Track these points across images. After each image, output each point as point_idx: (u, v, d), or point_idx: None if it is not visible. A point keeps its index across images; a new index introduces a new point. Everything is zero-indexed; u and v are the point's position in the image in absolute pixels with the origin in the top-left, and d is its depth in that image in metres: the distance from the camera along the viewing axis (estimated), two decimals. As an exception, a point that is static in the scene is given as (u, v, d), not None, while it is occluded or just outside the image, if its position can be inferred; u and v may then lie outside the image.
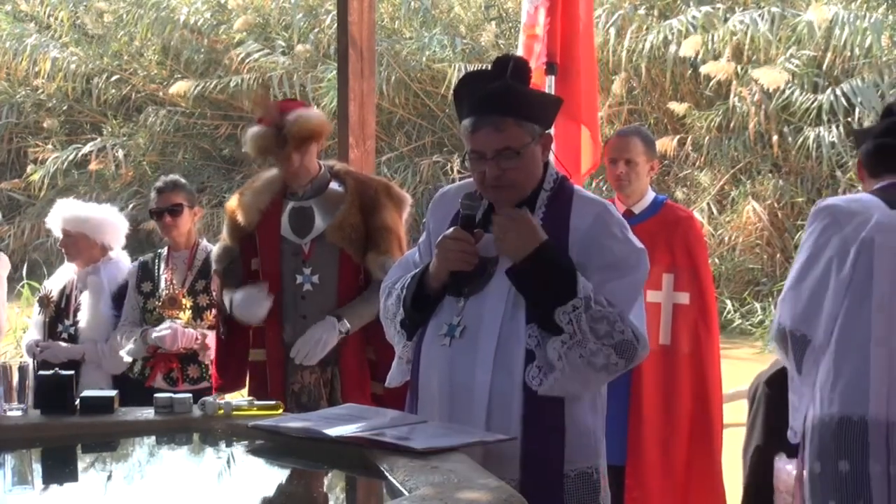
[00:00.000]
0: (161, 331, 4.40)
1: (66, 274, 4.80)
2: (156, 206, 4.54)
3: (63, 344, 4.61)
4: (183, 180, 4.66)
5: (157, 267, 4.58)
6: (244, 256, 3.92)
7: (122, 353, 4.53)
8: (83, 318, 4.60)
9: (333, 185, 3.90)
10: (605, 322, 2.61)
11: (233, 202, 3.97)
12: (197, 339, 4.41)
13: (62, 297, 4.72)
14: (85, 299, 4.63)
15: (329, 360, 3.80)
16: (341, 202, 3.83)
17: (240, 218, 3.89)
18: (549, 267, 2.64)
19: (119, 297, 4.65)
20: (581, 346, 2.61)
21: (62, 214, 4.72)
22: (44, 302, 4.67)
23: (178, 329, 4.39)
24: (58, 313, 4.68)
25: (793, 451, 3.88)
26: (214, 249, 4.09)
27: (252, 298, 3.80)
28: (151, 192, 4.65)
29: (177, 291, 4.49)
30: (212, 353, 4.43)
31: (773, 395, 3.95)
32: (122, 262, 4.78)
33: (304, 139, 3.78)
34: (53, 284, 4.81)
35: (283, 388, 3.82)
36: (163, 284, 4.52)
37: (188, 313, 4.46)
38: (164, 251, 4.62)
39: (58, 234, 4.80)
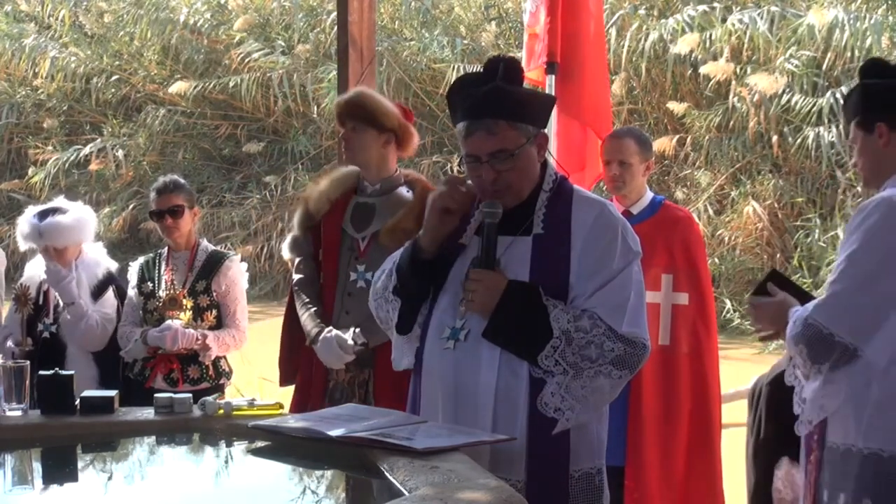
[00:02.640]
0: (161, 331, 4.40)
1: (38, 271, 4.68)
2: (156, 208, 4.52)
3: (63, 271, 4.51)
4: (182, 180, 4.63)
5: (157, 267, 4.56)
6: (314, 248, 3.98)
7: (122, 353, 4.52)
8: (67, 316, 4.53)
9: (403, 190, 3.93)
10: (592, 347, 2.62)
11: (307, 191, 4.03)
12: (197, 339, 4.41)
13: (39, 295, 4.63)
14: None
15: (366, 362, 3.81)
16: (405, 206, 3.87)
17: (310, 206, 3.95)
18: (518, 311, 2.64)
19: (97, 293, 4.61)
20: (578, 378, 2.63)
21: (46, 232, 4.52)
22: (21, 300, 4.53)
23: (178, 329, 4.39)
24: (36, 311, 4.60)
25: (797, 455, 3.87)
26: (287, 240, 4.11)
27: (329, 347, 3.80)
28: (150, 192, 4.62)
29: (177, 292, 4.48)
30: (213, 354, 4.44)
31: (775, 397, 3.96)
32: (99, 257, 4.72)
33: (356, 113, 3.85)
34: (28, 282, 4.67)
35: (325, 380, 3.86)
36: (163, 285, 4.52)
37: (188, 314, 4.45)
38: (165, 251, 4.61)
39: (28, 245, 4.64)
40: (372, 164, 3.89)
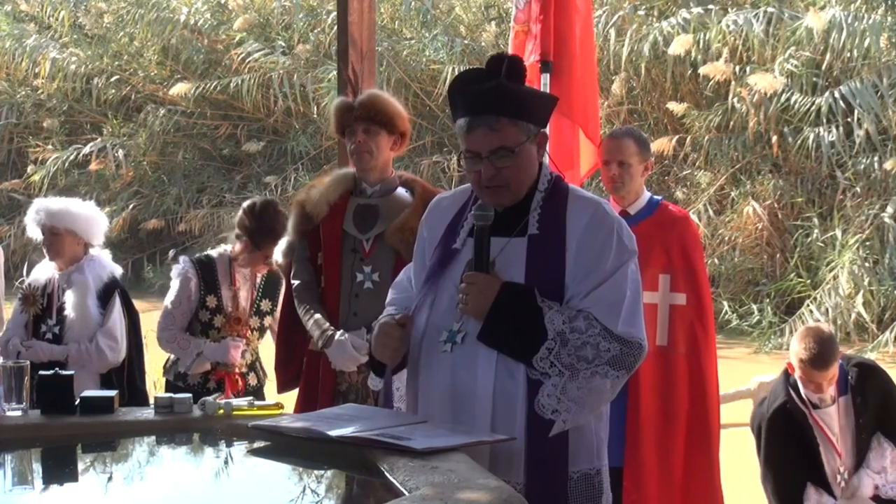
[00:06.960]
0: (222, 349, 4.39)
1: (45, 272, 4.71)
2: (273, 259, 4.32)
3: (46, 344, 4.56)
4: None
5: (216, 279, 4.48)
6: (311, 251, 3.96)
7: (180, 366, 4.47)
8: (70, 317, 4.56)
9: (401, 191, 3.95)
10: (588, 347, 2.61)
11: (301, 195, 4.02)
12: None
13: (44, 296, 4.65)
14: (69, 298, 4.57)
15: None
16: (407, 206, 3.87)
17: (308, 209, 3.94)
18: (512, 313, 2.63)
19: (104, 296, 4.60)
20: (574, 379, 2.61)
21: (48, 210, 4.62)
22: (29, 300, 4.59)
23: (236, 344, 4.40)
24: (42, 312, 4.63)
25: (818, 481, 3.92)
26: (280, 244, 4.11)
27: (344, 349, 3.81)
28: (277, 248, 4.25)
29: (242, 311, 4.47)
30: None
31: (778, 431, 4.01)
32: (105, 260, 4.73)
33: (372, 116, 3.85)
34: (35, 282, 4.71)
35: (334, 382, 3.87)
36: (228, 301, 4.47)
37: (254, 334, 4.47)
38: (227, 263, 4.51)
39: (36, 232, 4.69)
40: (380, 166, 3.91)
